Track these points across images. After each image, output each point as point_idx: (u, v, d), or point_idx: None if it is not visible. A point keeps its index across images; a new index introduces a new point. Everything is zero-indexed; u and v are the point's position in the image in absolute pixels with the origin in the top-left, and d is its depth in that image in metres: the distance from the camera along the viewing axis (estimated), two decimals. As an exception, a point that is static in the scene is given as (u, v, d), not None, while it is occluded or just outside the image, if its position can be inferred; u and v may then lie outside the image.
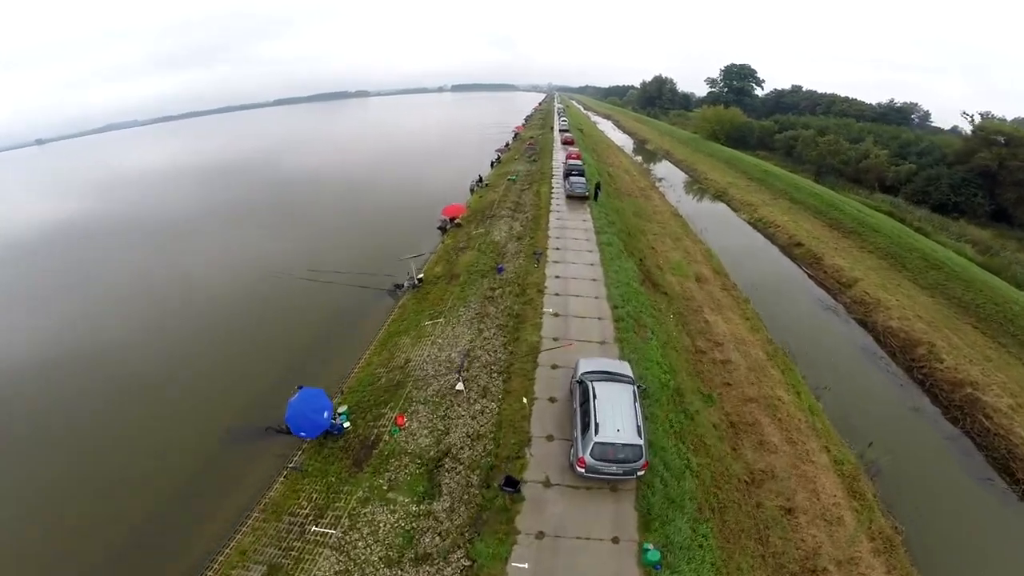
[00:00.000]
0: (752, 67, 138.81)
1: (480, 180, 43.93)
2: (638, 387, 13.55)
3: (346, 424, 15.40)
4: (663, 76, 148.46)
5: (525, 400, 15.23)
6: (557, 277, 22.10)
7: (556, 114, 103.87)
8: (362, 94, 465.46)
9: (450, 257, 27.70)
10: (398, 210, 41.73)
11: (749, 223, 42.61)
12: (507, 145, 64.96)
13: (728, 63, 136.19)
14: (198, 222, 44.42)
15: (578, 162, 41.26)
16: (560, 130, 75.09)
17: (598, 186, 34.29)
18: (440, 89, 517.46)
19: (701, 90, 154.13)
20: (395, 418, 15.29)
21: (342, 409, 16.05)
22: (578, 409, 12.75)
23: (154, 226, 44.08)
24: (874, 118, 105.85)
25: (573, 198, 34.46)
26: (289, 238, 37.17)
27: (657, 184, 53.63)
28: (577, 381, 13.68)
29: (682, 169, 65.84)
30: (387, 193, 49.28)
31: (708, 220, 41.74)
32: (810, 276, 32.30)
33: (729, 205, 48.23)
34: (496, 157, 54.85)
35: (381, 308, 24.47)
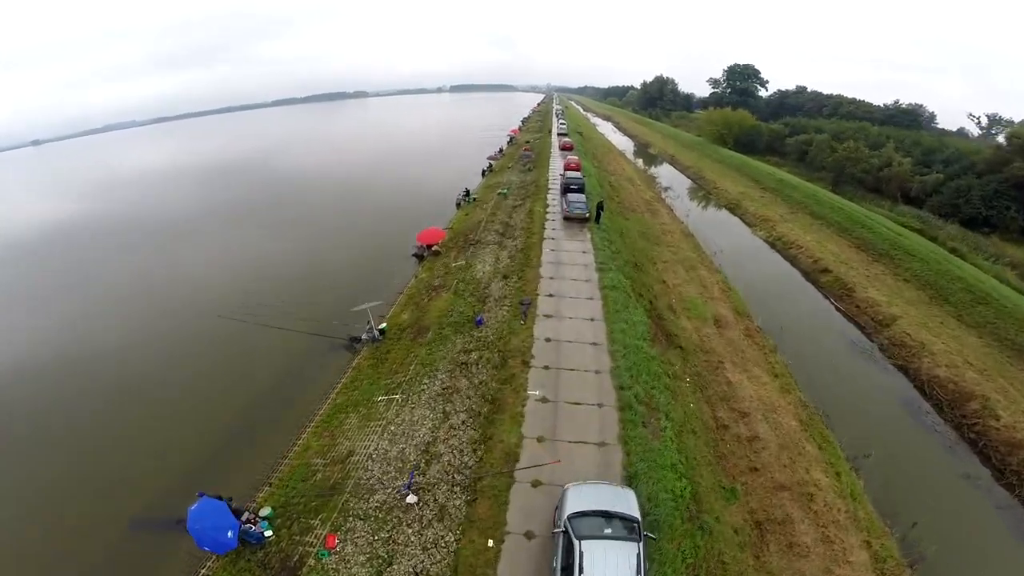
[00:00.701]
0: (756, 67, 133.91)
1: (467, 194, 39.10)
2: (644, 537, 9.41)
3: (267, 532, 11.93)
4: (664, 76, 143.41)
5: (491, 542, 10.73)
6: (548, 340, 17.24)
7: (554, 116, 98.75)
8: (360, 95, 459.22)
9: (421, 299, 22.97)
10: (377, 229, 37.10)
11: (767, 242, 37.74)
12: (501, 150, 60.03)
13: (728, 63, 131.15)
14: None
15: (577, 175, 36.33)
16: (558, 133, 70.24)
17: (600, 206, 29.08)
18: (439, 90, 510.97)
19: (701, 91, 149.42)
20: (325, 536, 11.57)
21: (265, 511, 12.46)
22: (559, 572, 9.02)
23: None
24: (883, 120, 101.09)
25: (572, 220, 29.34)
26: (245, 265, 32.55)
27: (664, 194, 48.79)
28: (561, 531, 9.50)
29: (688, 176, 60.95)
30: (368, 210, 44.54)
31: (722, 238, 37.01)
32: (840, 310, 27.52)
33: (743, 219, 43.36)
34: (488, 165, 50.00)
35: (333, 367, 19.73)
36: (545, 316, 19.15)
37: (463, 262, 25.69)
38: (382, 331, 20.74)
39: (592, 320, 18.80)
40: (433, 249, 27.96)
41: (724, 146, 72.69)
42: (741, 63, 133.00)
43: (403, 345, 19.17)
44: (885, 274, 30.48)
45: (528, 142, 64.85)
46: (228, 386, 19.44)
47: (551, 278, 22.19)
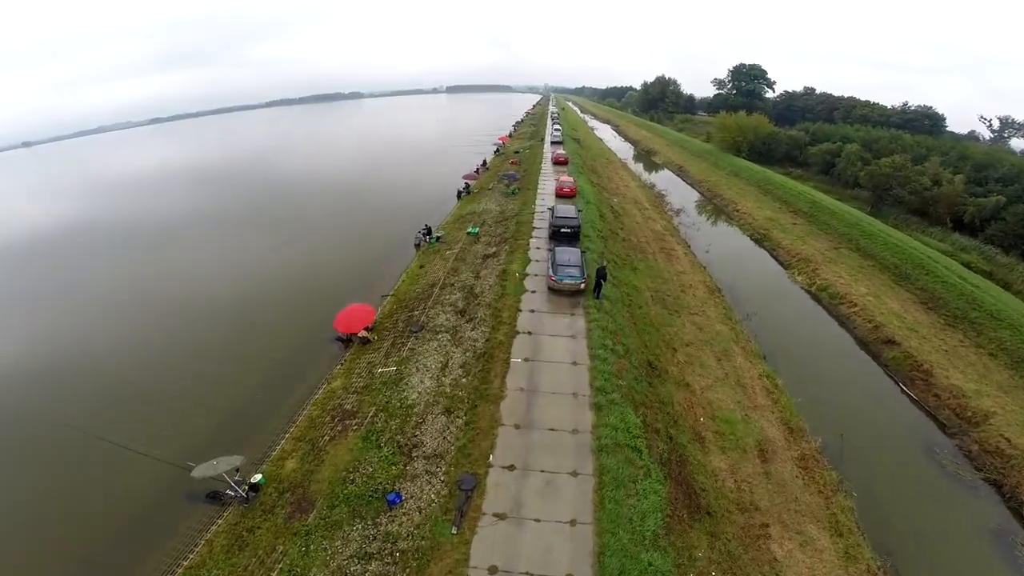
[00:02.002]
0: (763, 67, 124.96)
1: (428, 233, 29.81)
2: None
3: None
4: (666, 76, 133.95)
5: None
6: (493, 573, 8.57)
7: (549, 120, 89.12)
8: (356, 96, 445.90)
9: (321, 435, 14.12)
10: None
11: (809, 293, 28.70)
12: (484, 164, 50.62)
13: (727, 63, 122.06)
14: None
15: (571, 211, 26.76)
16: (552, 142, 60.94)
17: (602, 273, 19.26)
18: (435, 91, 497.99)
19: (700, 91, 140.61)
20: None
21: None
22: None
23: None
24: (899, 125, 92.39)
25: (561, 293, 19.91)
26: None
27: (676, 220, 39.63)
28: None
29: (701, 192, 51.72)
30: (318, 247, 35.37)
31: (752, 287, 28.21)
32: (914, 400, 19.11)
33: (775, 256, 34.25)
34: (464, 186, 40.61)
35: (182, 529, 11.17)
36: (495, 517, 10.28)
37: (393, 368, 16.54)
38: (255, 487, 12.02)
39: (573, 524, 10.02)
40: (361, 336, 18.77)
41: (737, 155, 63.52)
42: (747, 63, 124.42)
43: (273, 525, 10.74)
44: (965, 345, 22.10)
45: (517, 152, 55.62)
46: None
47: (516, 426, 13.14)
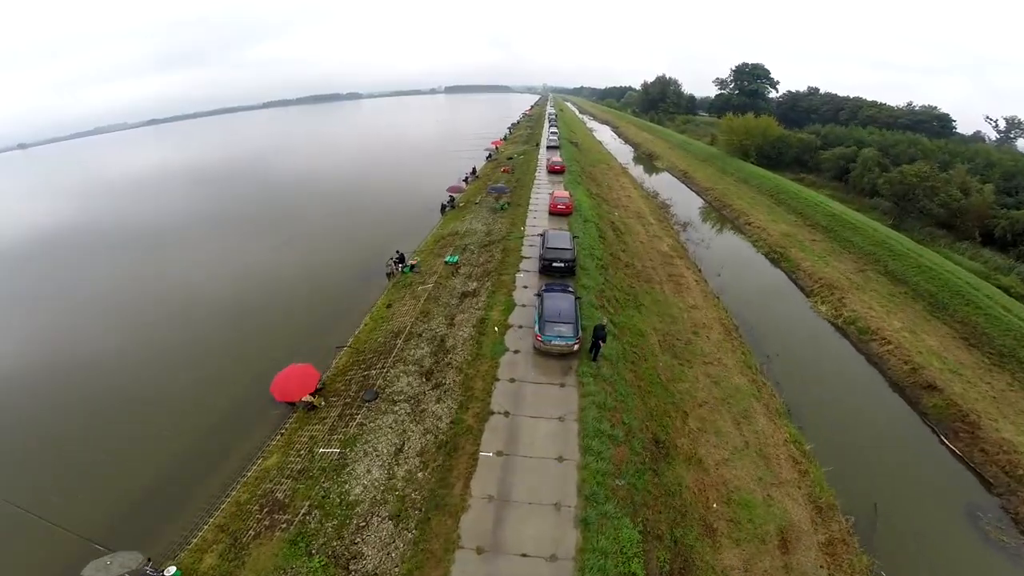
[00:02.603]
0: (766, 67, 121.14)
1: (400, 260, 25.96)
2: None
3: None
4: (667, 76, 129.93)
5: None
6: None
7: (546, 122, 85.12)
8: (354, 96, 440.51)
9: (243, 531, 11.26)
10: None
11: (835, 326, 24.91)
12: (473, 172, 46.69)
13: (727, 63, 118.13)
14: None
15: (565, 238, 22.72)
16: (548, 146, 57.00)
17: (600, 333, 15.09)
18: (433, 91, 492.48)
19: (700, 91, 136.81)
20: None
21: None
22: None
23: None
24: (907, 126, 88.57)
25: (549, 355, 15.84)
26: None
27: (683, 236, 35.76)
28: None
29: (708, 201, 47.83)
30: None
31: (772, 320, 24.60)
32: (958, 455, 16.28)
33: (794, 279, 30.42)
34: (448, 200, 36.69)
35: None
36: None
37: (337, 450, 12.80)
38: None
39: None
40: (305, 403, 15.00)
41: (745, 159, 59.65)
42: (750, 62, 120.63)
43: None
44: (1015, 389, 18.91)
45: (511, 158, 51.74)
46: None
47: (478, 550, 9.87)
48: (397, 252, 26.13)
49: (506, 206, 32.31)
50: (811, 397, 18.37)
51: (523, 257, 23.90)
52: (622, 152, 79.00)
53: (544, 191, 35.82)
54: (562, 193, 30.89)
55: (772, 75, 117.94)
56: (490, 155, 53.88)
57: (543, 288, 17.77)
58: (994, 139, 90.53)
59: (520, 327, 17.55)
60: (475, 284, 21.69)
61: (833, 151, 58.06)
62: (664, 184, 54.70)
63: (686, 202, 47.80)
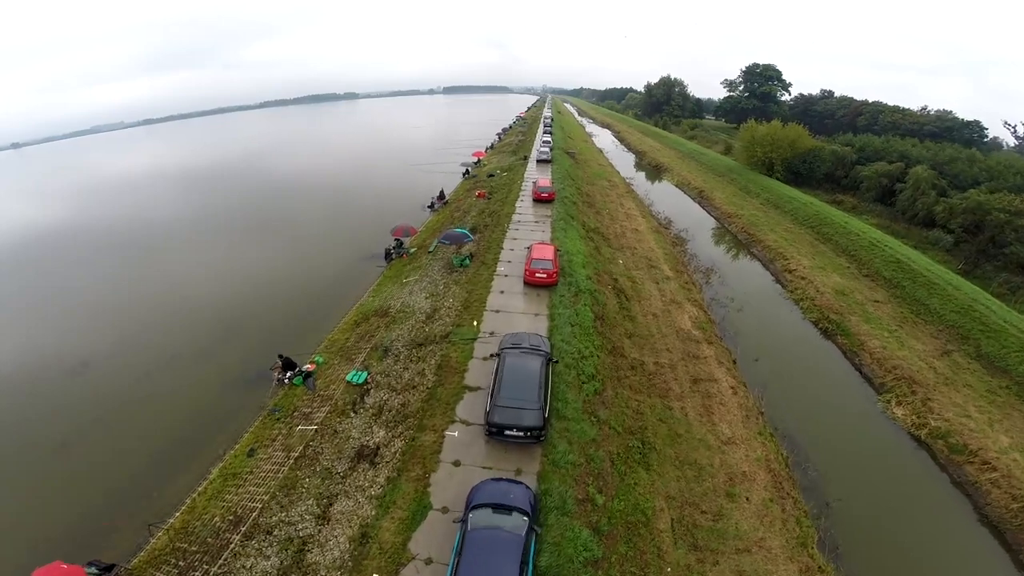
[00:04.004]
0: (777, 68, 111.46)
1: (289, 367, 16.28)
2: None
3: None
4: (672, 77, 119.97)
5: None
6: None
7: (541, 128, 75.14)
8: (351, 96, 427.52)
9: None
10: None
11: (916, 439, 16.03)
12: (442, 197, 36.80)
13: (726, 64, 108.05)
14: None
15: (530, 373, 12.76)
16: (539, 160, 47.25)
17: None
18: (431, 92, 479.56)
19: (702, 94, 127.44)
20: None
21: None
22: None
23: None
24: (934, 134, 78.80)
25: None
26: None
27: (707, 296, 26.13)
28: None
29: (732, 231, 38.05)
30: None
31: (831, 435, 16.54)
32: None
33: (857, 366, 21.03)
34: (395, 244, 26.64)
35: None
36: None
37: None
38: None
39: None
40: None
41: (769, 174, 49.98)
42: (760, 63, 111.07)
43: None
44: None
45: (492, 175, 42.03)
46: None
47: None
48: (280, 357, 16.48)
49: (467, 262, 22.56)
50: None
51: (466, 388, 14.14)
52: (624, 161, 69.22)
53: (524, 233, 26.08)
54: (544, 251, 20.69)
55: (784, 76, 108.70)
56: (467, 171, 44.10)
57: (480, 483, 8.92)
58: (1013, 145, 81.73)
59: (430, 562, 8.29)
60: (382, 434, 12.32)
61: (873, 167, 48.28)
62: (676, 205, 44.89)
63: (705, 233, 38.13)
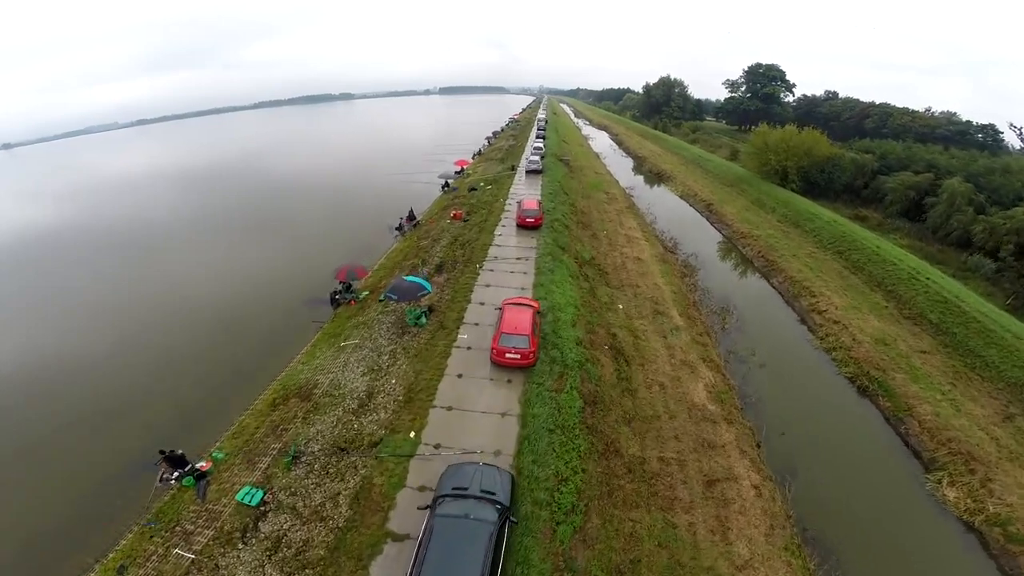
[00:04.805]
0: (781, 68, 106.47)
1: (179, 464, 11.53)
2: None
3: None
4: (672, 77, 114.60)
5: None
6: None
7: (534, 131, 69.79)
8: (347, 96, 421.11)
9: None
10: None
11: (973, 529, 12.32)
12: (411, 218, 31.51)
13: (726, 64, 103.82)
14: None
15: (490, 491, 8.86)
16: (528, 170, 42.06)
17: None
18: (427, 92, 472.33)
19: (701, 94, 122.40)
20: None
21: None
22: None
23: None
24: (948, 138, 73.96)
25: None
26: None
27: (722, 350, 21.09)
28: None
29: (747, 255, 32.94)
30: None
31: (869, 531, 12.82)
32: None
33: (903, 434, 16.84)
34: (341, 288, 21.22)
35: None
36: None
37: None
38: None
39: None
40: None
41: (783, 184, 44.85)
42: (763, 62, 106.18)
43: None
44: None
45: (474, 189, 36.86)
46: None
47: None
48: (163, 452, 11.50)
49: (423, 320, 17.38)
50: None
51: (388, 535, 9.73)
52: (623, 167, 64.07)
53: (500, 277, 20.72)
54: (520, 319, 15.24)
55: (788, 77, 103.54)
56: (446, 184, 38.88)
57: None
58: (1019, 148, 77.22)
59: None
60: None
61: (898, 178, 43.25)
62: (681, 221, 39.69)
63: (716, 256, 33.07)
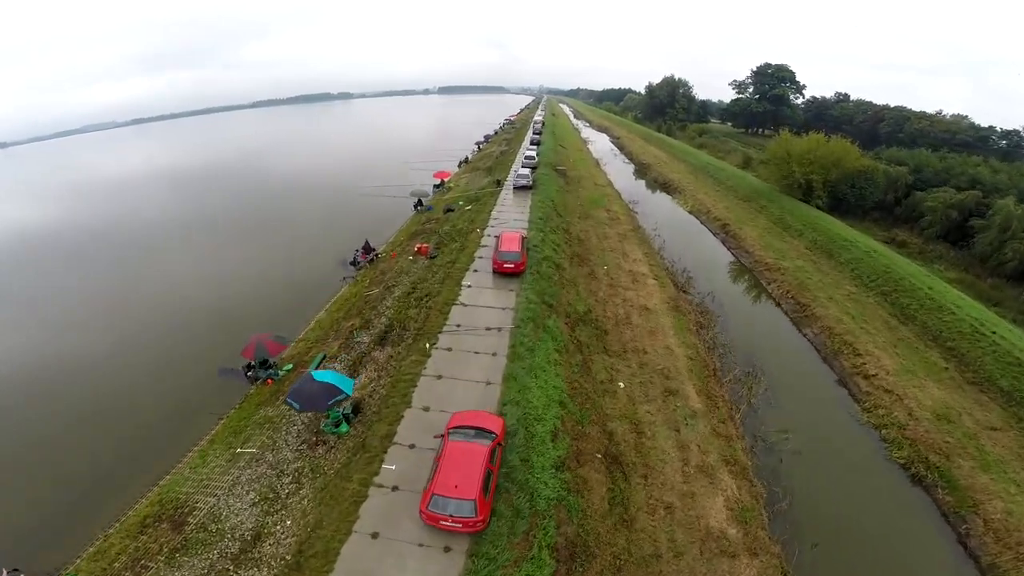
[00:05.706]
0: (790, 68, 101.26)
1: None
2: None
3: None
4: (676, 77, 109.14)
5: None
6: None
7: (529, 136, 64.36)
8: (345, 96, 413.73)
9: None
10: None
11: None
12: (368, 250, 26.21)
13: (726, 65, 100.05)
14: None
15: None
16: (516, 186, 36.76)
17: None
18: (426, 92, 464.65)
19: (702, 95, 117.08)
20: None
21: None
22: None
23: None
24: (967, 144, 68.67)
25: None
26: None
27: (747, 444, 15.98)
28: None
29: (773, 295, 27.65)
30: None
31: None
32: None
33: (962, 537, 13.38)
34: (259, 364, 16.14)
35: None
36: None
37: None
38: None
39: None
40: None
41: (807, 199, 39.45)
42: (772, 63, 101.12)
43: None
44: None
45: (450, 209, 31.63)
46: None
47: None
48: None
49: (345, 426, 12.21)
50: None
51: None
52: (624, 174, 58.82)
53: (461, 357, 15.15)
54: (466, 471, 9.61)
55: (797, 78, 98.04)
56: (419, 202, 33.54)
57: None
58: None
59: None
60: None
61: (938, 196, 37.91)
62: (693, 245, 34.34)
63: (736, 295, 27.83)
